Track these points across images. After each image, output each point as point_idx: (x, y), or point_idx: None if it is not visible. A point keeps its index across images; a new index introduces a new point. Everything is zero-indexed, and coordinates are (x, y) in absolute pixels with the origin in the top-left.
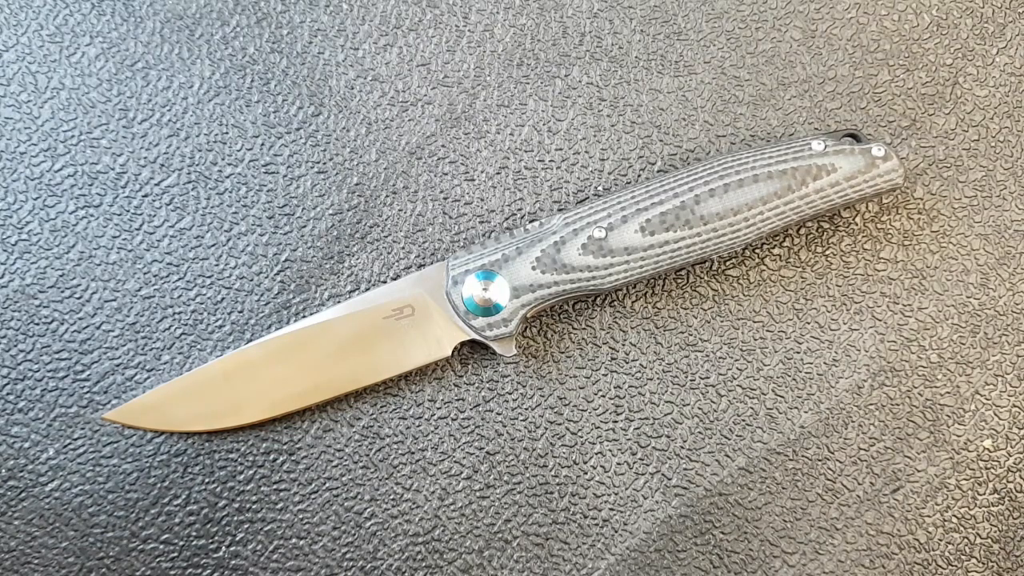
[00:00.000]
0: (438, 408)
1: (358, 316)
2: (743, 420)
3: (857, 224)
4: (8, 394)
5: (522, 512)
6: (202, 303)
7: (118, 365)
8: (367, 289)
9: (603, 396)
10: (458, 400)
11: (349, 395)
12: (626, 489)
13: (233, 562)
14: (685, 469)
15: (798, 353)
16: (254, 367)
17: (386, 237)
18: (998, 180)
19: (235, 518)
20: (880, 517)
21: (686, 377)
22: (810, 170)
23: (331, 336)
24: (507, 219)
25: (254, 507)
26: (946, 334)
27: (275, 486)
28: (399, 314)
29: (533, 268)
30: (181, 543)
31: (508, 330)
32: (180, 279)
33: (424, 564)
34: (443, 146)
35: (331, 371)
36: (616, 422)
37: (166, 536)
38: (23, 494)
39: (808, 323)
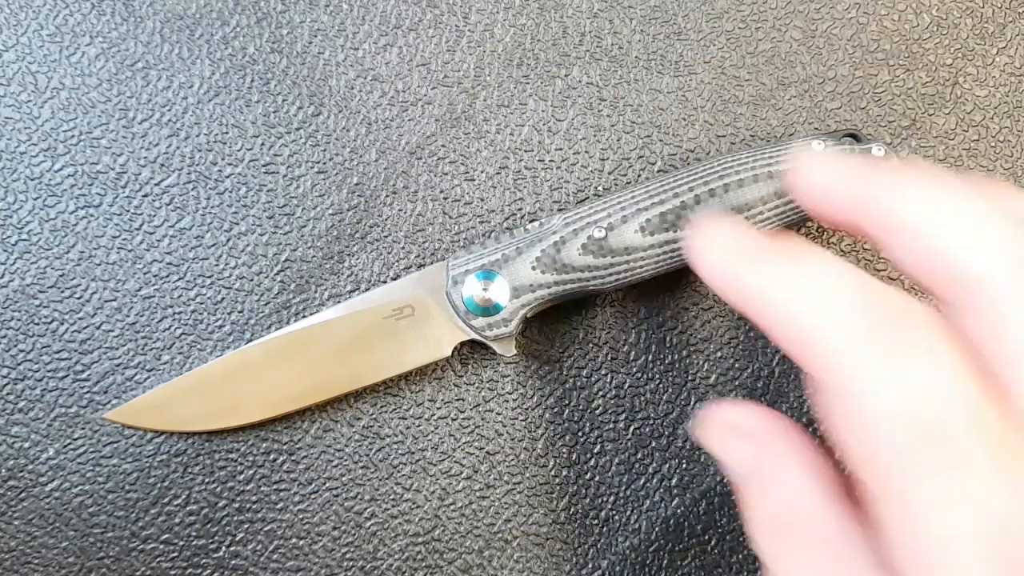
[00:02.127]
0: (438, 408)
1: (358, 316)
2: None
3: None
4: (8, 394)
5: (522, 512)
6: (202, 303)
7: (118, 365)
8: (367, 289)
9: (603, 396)
10: (458, 400)
11: (349, 395)
12: (626, 489)
13: (233, 562)
14: (685, 469)
15: None
16: (254, 367)
17: (386, 237)
18: (998, 180)
19: (235, 518)
20: None
21: (686, 377)
22: None
23: (331, 336)
24: (507, 219)
25: (254, 507)
26: None
27: (275, 486)
28: (399, 314)
29: (533, 268)
30: (181, 543)
31: (508, 330)
32: (180, 279)
33: (424, 564)
34: (443, 146)
35: (331, 371)
36: (616, 422)
37: (166, 536)
38: (23, 494)
39: None
